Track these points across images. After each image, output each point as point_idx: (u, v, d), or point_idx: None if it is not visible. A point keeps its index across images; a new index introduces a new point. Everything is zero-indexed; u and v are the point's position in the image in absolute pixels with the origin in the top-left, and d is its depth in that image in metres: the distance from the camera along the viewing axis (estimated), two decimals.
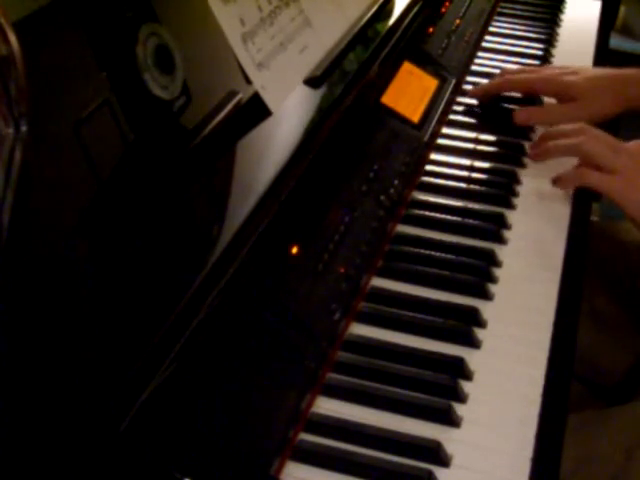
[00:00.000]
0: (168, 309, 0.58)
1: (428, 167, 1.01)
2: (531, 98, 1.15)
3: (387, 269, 0.84)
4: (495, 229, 0.91)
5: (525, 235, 0.90)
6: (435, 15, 1.22)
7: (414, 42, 1.11)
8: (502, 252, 0.88)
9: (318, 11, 0.92)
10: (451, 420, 0.68)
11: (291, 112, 0.82)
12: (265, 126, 0.78)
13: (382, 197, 0.88)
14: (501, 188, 0.98)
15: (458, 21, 1.27)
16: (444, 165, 1.02)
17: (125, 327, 0.56)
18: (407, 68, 1.07)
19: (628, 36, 1.96)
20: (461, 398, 0.70)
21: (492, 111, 1.14)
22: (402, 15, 1.07)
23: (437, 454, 0.65)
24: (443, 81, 1.12)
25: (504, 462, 0.66)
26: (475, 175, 1.01)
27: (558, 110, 1.10)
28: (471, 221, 0.92)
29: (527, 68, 1.19)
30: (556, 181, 0.96)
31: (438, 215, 0.92)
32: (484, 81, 1.21)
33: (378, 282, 0.83)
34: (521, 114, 1.09)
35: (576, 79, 1.09)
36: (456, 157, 1.03)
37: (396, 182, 0.92)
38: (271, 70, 0.81)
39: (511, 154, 1.05)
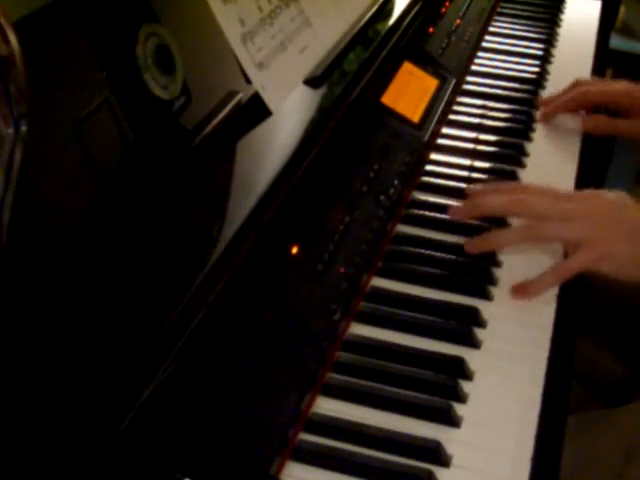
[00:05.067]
0: (168, 309, 0.58)
1: (428, 167, 1.01)
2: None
3: (387, 269, 0.84)
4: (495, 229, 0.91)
5: None
6: (435, 15, 1.22)
7: (414, 42, 1.11)
8: (502, 252, 0.88)
9: (318, 11, 0.92)
10: (451, 420, 0.68)
11: (291, 112, 0.82)
12: (265, 126, 0.78)
13: (382, 197, 0.88)
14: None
15: (458, 21, 1.27)
16: (444, 165, 1.02)
17: (125, 326, 0.56)
18: (407, 68, 1.07)
19: (628, 36, 1.96)
20: (461, 398, 0.70)
21: (492, 111, 1.14)
22: (402, 15, 1.07)
23: (437, 454, 0.65)
24: (443, 81, 1.12)
25: (504, 462, 0.66)
26: (475, 175, 1.00)
27: (632, 125, 1.09)
28: (471, 221, 0.92)
29: (599, 80, 1.18)
30: (526, 291, 0.84)
31: (438, 215, 0.92)
32: (484, 81, 1.21)
33: (378, 282, 0.83)
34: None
35: None
36: (456, 157, 1.03)
37: (396, 182, 0.92)
38: (271, 70, 0.81)
39: (511, 154, 1.05)
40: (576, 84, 1.14)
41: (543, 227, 0.83)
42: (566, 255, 0.85)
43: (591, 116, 1.12)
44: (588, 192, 0.88)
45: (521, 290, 0.83)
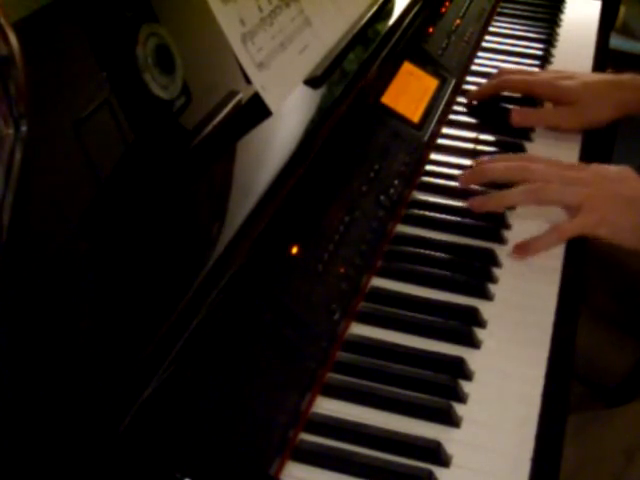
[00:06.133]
0: (168, 309, 0.58)
1: (428, 167, 1.01)
2: (531, 99, 1.15)
3: (387, 269, 0.84)
4: (495, 229, 0.91)
5: (525, 234, 0.90)
6: (435, 15, 1.22)
7: (414, 42, 1.11)
8: (502, 252, 0.88)
9: (318, 11, 0.92)
10: (451, 420, 0.68)
11: (291, 112, 0.82)
12: (265, 126, 0.78)
13: (382, 197, 0.88)
14: (501, 188, 0.98)
15: (458, 21, 1.27)
16: (444, 165, 1.01)
17: (125, 327, 0.56)
18: (407, 68, 1.07)
19: (628, 36, 1.96)
20: (461, 398, 0.70)
21: (492, 111, 1.14)
22: (402, 15, 1.07)
23: (437, 454, 0.65)
24: (443, 81, 1.12)
25: (504, 462, 0.66)
26: None
27: (555, 114, 1.10)
28: (471, 221, 0.92)
29: (525, 70, 1.19)
30: (527, 249, 0.87)
31: (438, 215, 0.92)
32: (484, 81, 1.21)
33: (378, 282, 0.83)
34: (517, 115, 1.09)
35: (573, 84, 1.09)
36: (456, 157, 1.03)
37: (396, 182, 0.92)
38: (271, 70, 0.81)
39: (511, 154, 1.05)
40: (500, 73, 1.15)
41: (546, 189, 0.86)
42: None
43: (514, 109, 1.10)
44: (592, 164, 0.91)
45: (522, 248, 0.86)
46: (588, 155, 1.08)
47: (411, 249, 0.87)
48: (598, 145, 1.13)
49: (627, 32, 1.95)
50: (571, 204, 0.86)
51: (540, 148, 1.08)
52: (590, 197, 0.85)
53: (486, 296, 0.82)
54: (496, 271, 0.85)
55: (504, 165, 0.91)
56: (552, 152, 1.07)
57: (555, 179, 0.87)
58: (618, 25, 1.92)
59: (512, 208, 0.94)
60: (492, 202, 0.90)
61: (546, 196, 0.87)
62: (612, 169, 0.90)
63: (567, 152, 1.08)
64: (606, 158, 1.90)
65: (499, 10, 1.44)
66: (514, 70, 1.18)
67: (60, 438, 0.50)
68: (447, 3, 1.28)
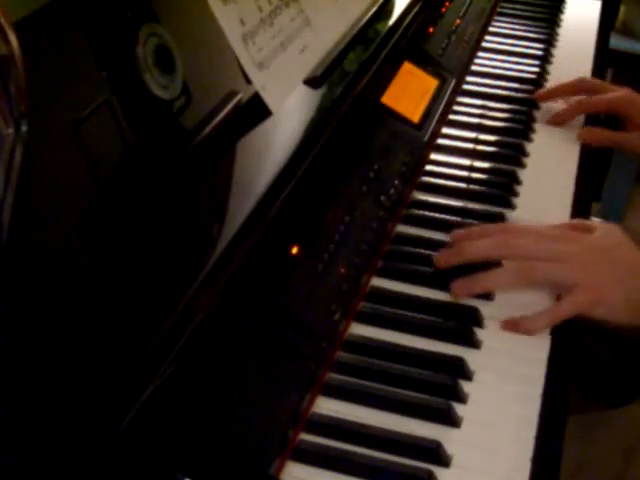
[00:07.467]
0: (168, 309, 0.58)
1: (428, 167, 1.01)
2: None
3: (387, 269, 0.84)
4: None
5: None
6: (435, 15, 1.22)
7: (414, 42, 1.11)
8: None
9: (318, 11, 0.92)
10: (451, 420, 0.68)
11: (291, 112, 0.82)
12: (265, 126, 0.78)
13: (382, 197, 0.88)
14: (501, 188, 0.98)
15: (458, 21, 1.27)
16: (444, 165, 1.02)
17: (125, 327, 0.56)
18: (407, 68, 1.07)
19: (628, 36, 1.96)
20: (461, 398, 0.70)
21: (492, 111, 1.14)
22: (402, 15, 1.07)
23: (437, 454, 0.65)
24: (443, 81, 1.12)
25: (504, 462, 0.66)
26: (475, 175, 1.00)
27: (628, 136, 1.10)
28: (471, 221, 0.92)
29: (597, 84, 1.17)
30: (517, 329, 0.79)
31: (438, 215, 0.92)
32: (484, 81, 1.21)
33: (378, 282, 0.83)
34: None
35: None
36: (456, 157, 1.03)
37: (396, 182, 0.92)
38: (271, 70, 0.81)
39: (511, 154, 1.05)
40: (580, 82, 1.14)
41: (534, 268, 0.80)
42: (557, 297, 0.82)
43: (586, 128, 1.11)
44: (578, 224, 0.86)
45: (512, 326, 0.79)
46: (587, 155, 1.08)
47: (411, 249, 0.87)
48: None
49: (627, 32, 1.95)
50: (563, 283, 0.80)
51: (540, 148, 1.08)
52: (583, 275, 0.79)
53: (486, 296, 0.82)
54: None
55: (485, 243, 0.82)
56: (552, 152, 1.08)
57: (543, 255, 0.80)
58: (618, 25, 1.92)
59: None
60: (478, 287, 0.81)
61: (536, 276, 0.80)
62: (602, 236, 0.83)
63: (567, 152, 1.08)
64: (606, 157, 1.91)
65: (499, 10, 1.44)
66: (592, 84, 1.15)
67: (60, 438, 0.50)
68: (447, 3, 1.28)
